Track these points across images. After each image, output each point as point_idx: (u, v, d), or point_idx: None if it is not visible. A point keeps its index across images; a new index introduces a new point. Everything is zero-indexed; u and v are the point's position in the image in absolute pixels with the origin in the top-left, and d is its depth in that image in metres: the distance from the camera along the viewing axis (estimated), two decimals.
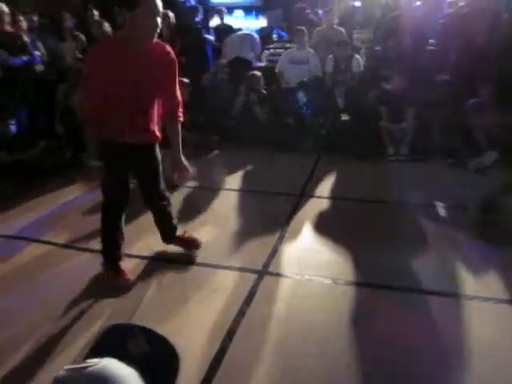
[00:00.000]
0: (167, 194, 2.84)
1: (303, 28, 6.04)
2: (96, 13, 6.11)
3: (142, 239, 3.15)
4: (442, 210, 3.60)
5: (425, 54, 5.34)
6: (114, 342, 0.75)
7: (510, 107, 4.53)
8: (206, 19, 7.17)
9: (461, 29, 4.70)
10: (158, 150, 2.66)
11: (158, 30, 2.32)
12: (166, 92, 2.53)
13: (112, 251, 2.68)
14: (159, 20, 2.29)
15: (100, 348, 0.75)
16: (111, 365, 0.65)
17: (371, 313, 2.35)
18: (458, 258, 2.82)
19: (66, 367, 0.65)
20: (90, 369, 0.63)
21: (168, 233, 2.93)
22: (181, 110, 2.58)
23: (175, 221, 2.95)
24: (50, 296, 2.54)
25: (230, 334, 2.18)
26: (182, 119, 2.61)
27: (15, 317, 2.36)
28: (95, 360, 0.65)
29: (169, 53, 2.47)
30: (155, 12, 2.27)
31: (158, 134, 2.59)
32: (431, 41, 5.50)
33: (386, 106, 5.05)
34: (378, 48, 5.87)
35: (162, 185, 2.75)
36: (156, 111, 2.54)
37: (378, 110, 5.10)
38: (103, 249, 2.69)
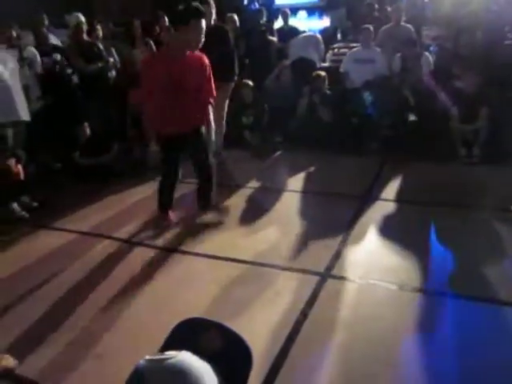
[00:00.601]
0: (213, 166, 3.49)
1: (369, 26, 5.90)
2: (167, 19, 6.33)
3: (209, 239, 3.24)
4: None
5: (500, 50, 5.04)
6: (187, 335, 0.77)
7: None
8: (271, 21, 7.21)
9: None
10: (203, 131, 3.34)
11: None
12: (204, 88, 3.24)
13: (165, 203, 3.49)
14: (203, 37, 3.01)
15: (173, 341, 0.78)
16: (189, 357, 0.68)
17: (438, 321, 2.25)
18: None
19: (147, 358, 0.69)
20: (169, 360, 0.66)
21: (207, 200, 3.55)
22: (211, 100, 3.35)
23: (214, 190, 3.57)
24: (121, 291, 2.68)
25: (293, 337, 2.18)
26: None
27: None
28: (173, 352, 0.68)
29: (202, 58, 3.22)
30: (200, 30, 2.98)
31: (201, 120, 3.30)
32: (508, 36, 5.19)
33: (457, 105, 4.81)
34: (450, 45, 5.61)
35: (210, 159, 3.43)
36: (197, 103, 3.21)
37: (449, 109, 4.86)
38: (160, 202, 3.49)
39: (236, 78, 4.89)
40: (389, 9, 6.68)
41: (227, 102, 4.89)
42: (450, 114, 4.82)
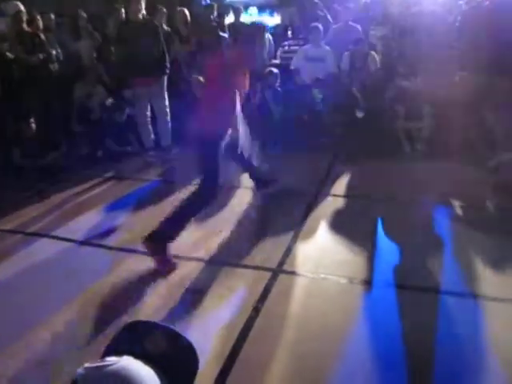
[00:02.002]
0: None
1: (318, 25, 5.98)
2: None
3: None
4: (457, 209, 3.54)
5: (444, 51, 5.25)
6: (132, 339, 0.74)
7: None
8: (222, 17, 7.15)
9: (485, 25, 4.60)
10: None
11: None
12: None
13: (172, 237, 2.79)
14: None
15: (117, 345, 0.74)
16: (130, 363, 0.64)
17: (387, 312, 2.32)
18: (474, 258, 2.77)
19: (85, 365, 0.65)
20: (108, 368, 0.63)
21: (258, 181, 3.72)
22: None
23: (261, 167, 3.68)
24: (66, 293, 2.56)
25: (245, 333, 2.18)
26: None
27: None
28: (114, 359, 0.65)
29: None
30: None
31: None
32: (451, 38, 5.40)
33: (402, 103, 4.98)
34: (395, 45, 5.79)
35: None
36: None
37: (395, 107, 5.03)
38: (165, 232, 2.78)
39: (168, 71, 4.91)
40: (338, 8, 6.81)
41: (166, 95, 4.89)
42: (395, 112, 4.99)
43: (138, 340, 0.73)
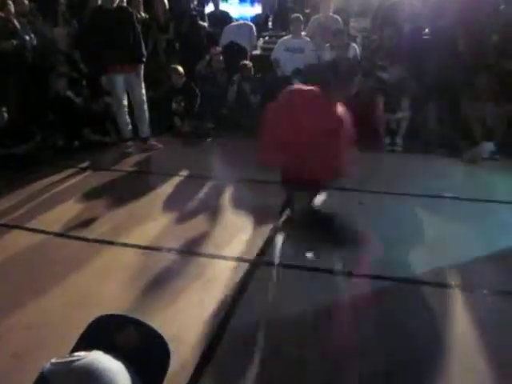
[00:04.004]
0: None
1: (299, 16, 5.96)
2: None
3: (138, 229, 3.12)
4: (432, 201, 3.59)
5: (421, 42, 5.30)
6: (102, 333, 0.72)
7: (507, 97, 4.53)
8: (201, 6, 7.06)
9: (458, 17, 4.67)
10: None
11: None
12: None
13: None
14: None
15: (87, 340, 0.72)
16: (99, 358, 0.62)
17: (364, 301, 2.35)
18: (443, 249, 2.81)
19: (53, 360, 0.63)
20: (76, 363, 0.61)
21: None
22: None
23: None
24: (40, 285, 2.51)
25: (224, 325, 2.17)
26: None
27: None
28: (82, 353, 0.63)
29: None
30: None
31: None
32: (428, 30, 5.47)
33: (381, 95, 5.01)
34: (375, 37, 5.82)
35: None
36: None
37: (374, 99, 5.06)
38: None
39: (144, 59, 4.82)
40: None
41: (143, 84, 4.81)
42: (375, 103, 5.02)
43: (107, 334, 0.71)
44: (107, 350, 0.67)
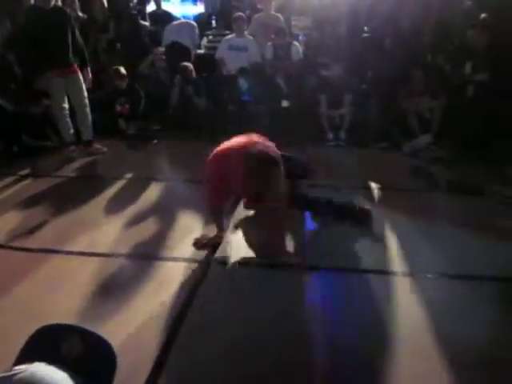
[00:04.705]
0: None
1: (242, 15, 5.99)
2: None
3: (84, 236, 3.04)
4: (375, 192, 3.74)
5: (360, 41, 5.49)
6: (46, 344, 0.71)
7: (441, 93, 4.79)
8: (142, 4, 6.93)
9: (391, 14, 4.87)
10: None
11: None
12: None
13: None
14: None
15: (30, 352, 0.71)
16: (40, 370, 0.62)
17: (314, 293, 2.42)
18: (389, 237, 2.94)
19: None
20: (17, 376, 0.60)
21: None
22: None
23: None
24: None
25: (177, 325, 2.16)
26: None
27: None
28: (23, 366, 0.62)
29: None
30: None
31: None
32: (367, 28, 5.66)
33: (324, 92, 5.14)
34: (316, 35, 5.95)
35: None
36: None
37: (318, 96, 5.19)
38: None
39: (86, 62, 4.70)
40: None
41: (84, 87, 4.66)
42: (318, 100, 5.16)
43: (51, 345, 0.70)
44: (51, 360, 0.66)
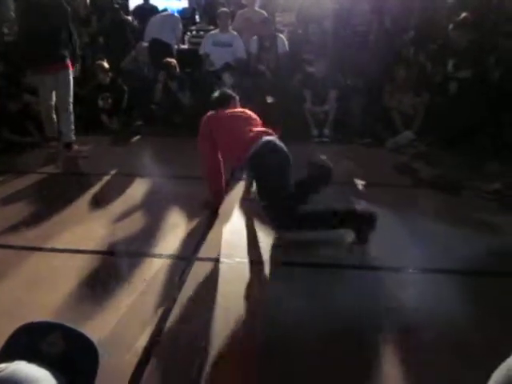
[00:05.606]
0: None
1: (226, 10, 5.97)
2: None
3: (67, 232, 3.00)
4: (360, 187, 3.78)
5: (344, 38, 5.51)
6: (26, 342, 0.70)
7: (424, 90, 4.85)
8: None
9: (374, 11, 4.90)
10: None
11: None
12: None
13: None
14: None
15: (11, 351, 0.70)
16: (20, 368, 0.61)
17: (297, 290, 2.43)
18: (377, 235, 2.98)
19: None
20: None
21: None
22: None
23: None
24: None
25: (161, 323, 2.16)
26: None
27: None
28: (3, 365, 0.61)
29: None
30: None
31: None
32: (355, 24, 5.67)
33: (309, 88, 5.16)
34: (300, 31, 5.96)
35: None
36: None
37: (302, 92, 5.20)
38: None
39: (79, 58, 4.65)
40: None
41: (71, 85, 4.53)
42: (303, 96, 5.17)
43: (31, 343, 0.69)
44: (32, 358, 0.66)
